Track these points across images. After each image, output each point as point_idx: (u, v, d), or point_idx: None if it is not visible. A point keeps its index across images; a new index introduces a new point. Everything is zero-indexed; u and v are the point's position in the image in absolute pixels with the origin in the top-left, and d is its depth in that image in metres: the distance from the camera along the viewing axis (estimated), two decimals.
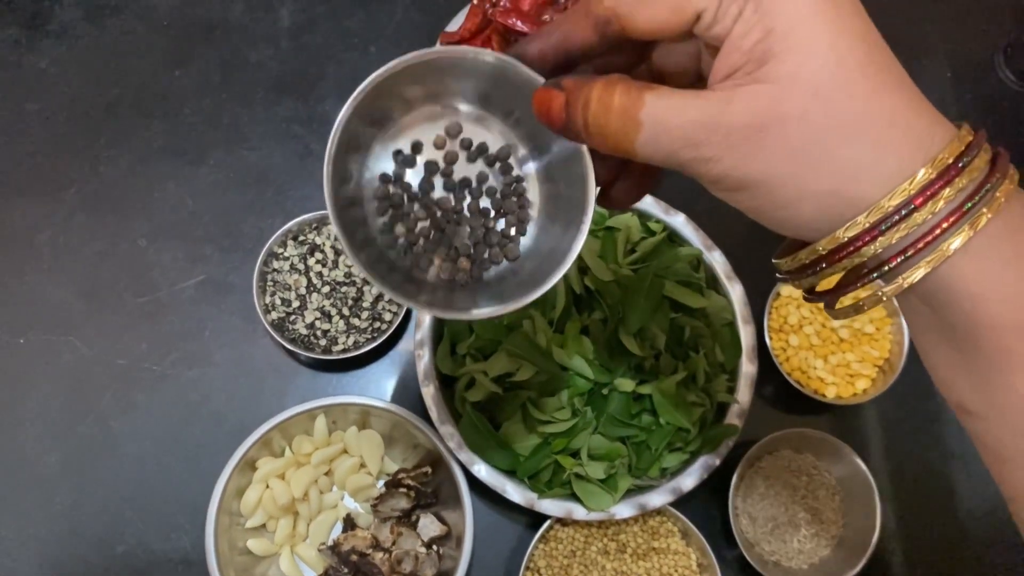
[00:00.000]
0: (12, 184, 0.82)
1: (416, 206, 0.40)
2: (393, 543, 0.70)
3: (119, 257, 0.80)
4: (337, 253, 0.75)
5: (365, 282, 0.75)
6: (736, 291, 0.71)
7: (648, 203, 0.72)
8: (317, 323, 0.74)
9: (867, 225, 0.29)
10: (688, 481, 0.67)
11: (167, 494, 0.74)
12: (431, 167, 0.40)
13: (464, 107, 0.40)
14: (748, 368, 0.69)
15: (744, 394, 0.69)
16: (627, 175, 0.39)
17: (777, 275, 0.35)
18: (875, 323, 0.77)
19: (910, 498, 0.79)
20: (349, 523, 0.72)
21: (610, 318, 0.65)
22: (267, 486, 0.70)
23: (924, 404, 0.81)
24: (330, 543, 0.71)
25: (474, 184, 0.41)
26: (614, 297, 0.66)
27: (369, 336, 0.75)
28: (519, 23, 0.74)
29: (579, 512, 0.66)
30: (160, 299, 0.79)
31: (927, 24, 0.93)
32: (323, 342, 0.74)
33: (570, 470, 0.65)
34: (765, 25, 0.29)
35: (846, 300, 0.33)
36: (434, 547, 0.71)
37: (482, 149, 0.40)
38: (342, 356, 0.73)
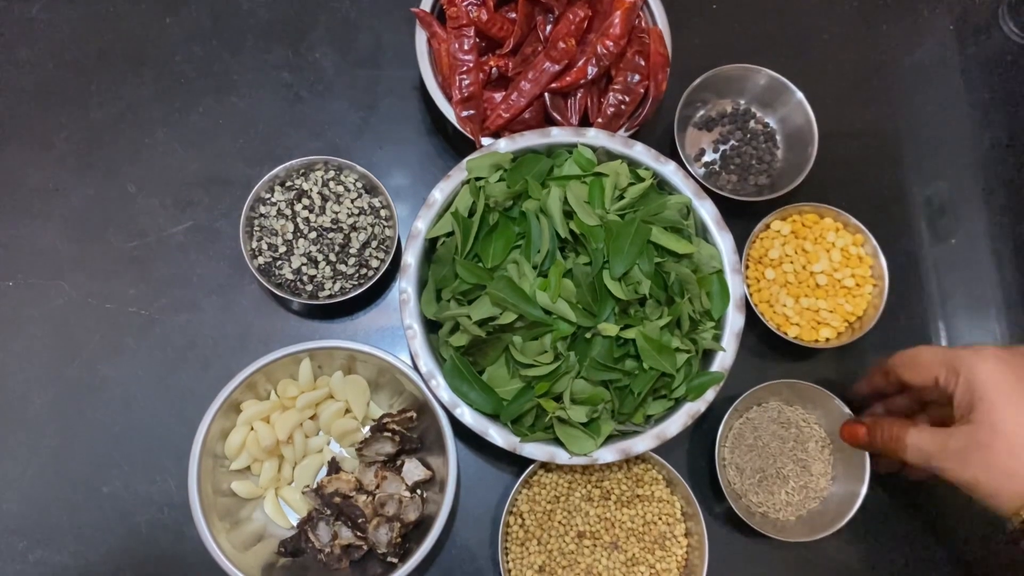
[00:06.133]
0: (3, 130, 0.82)
1: None
2: (377, 487, 0.70)
3: (108, 202, 0.80)
4: (324, 199, 0.75)
5: (352, 228, 0.75)
6: (726, 241, 0.71)
7: (639, 151, 0.71)
8: (304, 268, 0.74)
9: None
10: (672, 427, 0.66)
11: (153, 437, 0.75)
12: None
13: None
14: (736, 317, 0.69)
15: (730, 343, 0.68)
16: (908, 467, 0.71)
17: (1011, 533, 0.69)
18: (856, 278, 0.76)
19: None
20: (334, 467, 0.72)
21: (595, 262, 0.65)
22: (251, 428, 0.71)
23: None
24: (314, 486, 0.71)
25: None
26: (599, 241, 0.65)
27: (356, 282, 0.75)
28: None
29: (562, 456, 0.66)
30: (149, 244, 0.79)
31: None
32: (309, 288, 0.74)
33: (552, 414, 0.65)
34: (970, 390, 0.57)
35: None
36: (418, 491, 0.71)
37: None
38: (328, 301, 0.73)
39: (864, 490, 0.71)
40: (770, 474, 0.75)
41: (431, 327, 0.70)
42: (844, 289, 0.76)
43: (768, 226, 0.78)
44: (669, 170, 0.71)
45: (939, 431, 0.58)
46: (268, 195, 0.75)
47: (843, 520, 0.71)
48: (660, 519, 0.71)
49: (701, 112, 0.85)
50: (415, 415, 0.72)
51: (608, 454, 0.66)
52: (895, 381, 0.66)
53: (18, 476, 0.74)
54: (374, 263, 0.75)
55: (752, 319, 0.76)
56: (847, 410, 0.73)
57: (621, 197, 0.70)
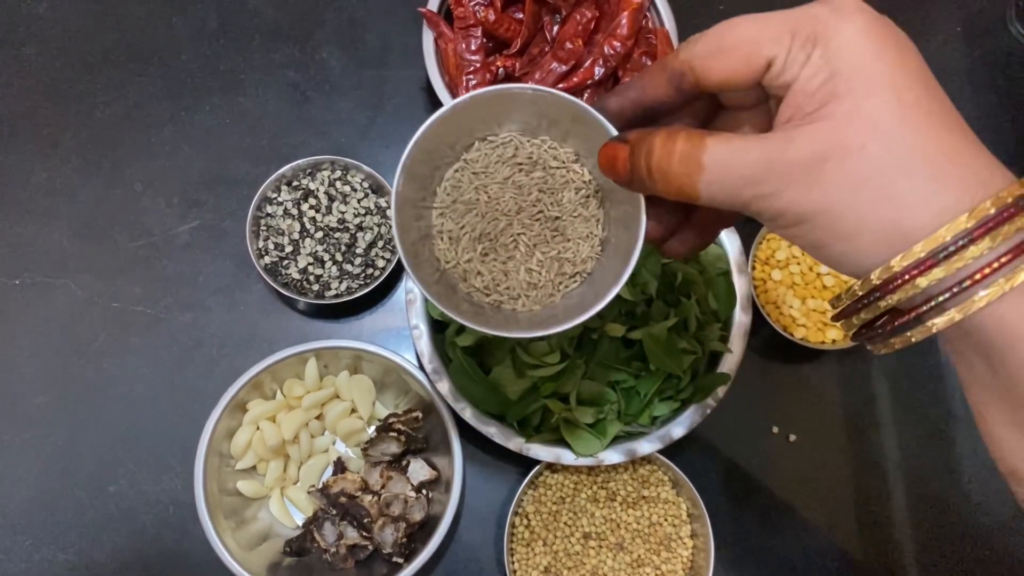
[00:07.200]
0: (9, 128, 0.82)
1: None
2: (383, 487, 0.70)
3: (114, 201, 0.80)
4: (331, 199, 0.75)
5: (358, 228, 0.75)
6: (733, 242, 0.71)
7: None
8: (310, 268, 0.74)
9: (923, 254, 0.29)
10: (678, 429, 0.66)
11: (159, 436, 0.75)
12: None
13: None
14: (742, 318, 0.69)
15: (737, 344, 0.68)
16: (686, 228, 0.42)
17: (831, 318, 0.37)
18: None
19: (912, 449, 0.78)
20: (340, 467, 0.72)
21: None
22: (257, 428, 0.70)
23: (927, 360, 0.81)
24: (320, 486, 0.71)
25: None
26: None
27: (362, 282, 0.75)
28: None
29: (568, 457, 0.66)
30: (155, 243, 0.79)
31: None
32: (316, 287, 0.74)
33: (559, 414, 0.65)
34: (830, 68, 0.30)
35: (896, 342, 0.32)
36: (423, 491, 0.71)
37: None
38: (334, 301, 0.73)
39: (635, 255, 0.41)
40: (503, 243, 0.46)
41: (437, 327, 0.69)
42: None
43: None
44: None
45: (764, 136, 0.32)
46: (275, 195, 0.75)
47: (603, 302, 0.42)
48: (666, 520, 0.71)
49: None
50: (421, 415, 0.72)
51: (614, 455, 0.66)
52: (688, 86, 0.36)
53: (24, 475, 0.74)
54: (380, 263, 0.75)
55: (759, 320, 0.75)
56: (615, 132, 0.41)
57: None
